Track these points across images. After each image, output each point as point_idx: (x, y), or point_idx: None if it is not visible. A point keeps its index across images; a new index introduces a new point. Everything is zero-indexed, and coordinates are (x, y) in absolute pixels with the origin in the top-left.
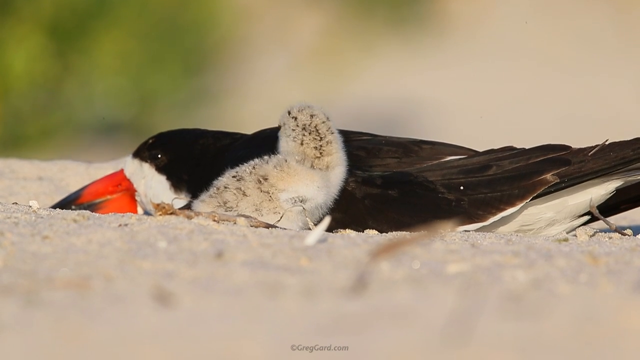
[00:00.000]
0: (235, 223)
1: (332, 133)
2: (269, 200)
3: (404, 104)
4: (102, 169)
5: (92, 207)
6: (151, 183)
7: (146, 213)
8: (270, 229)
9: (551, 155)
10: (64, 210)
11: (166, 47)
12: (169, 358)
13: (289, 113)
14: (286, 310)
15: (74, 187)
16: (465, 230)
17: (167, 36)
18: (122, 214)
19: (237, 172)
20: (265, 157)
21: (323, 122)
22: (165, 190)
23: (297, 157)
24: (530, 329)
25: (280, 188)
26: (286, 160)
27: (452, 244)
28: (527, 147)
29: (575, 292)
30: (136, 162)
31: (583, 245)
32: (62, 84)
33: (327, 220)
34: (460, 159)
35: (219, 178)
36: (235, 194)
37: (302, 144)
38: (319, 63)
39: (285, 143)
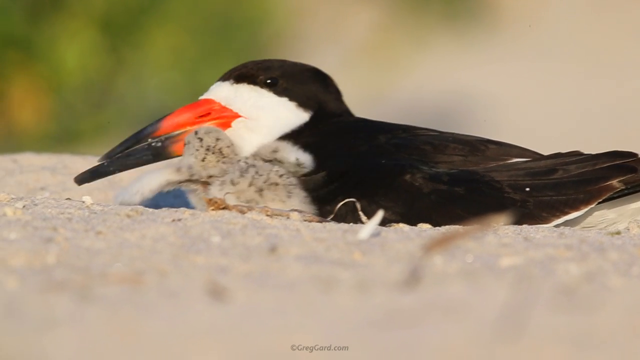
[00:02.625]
0: (288, 217)
1: (236, 154)
2: None
3: (457, 98)
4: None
5: (169, 139)
6: (270, 106)
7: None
8: (323, 223)
9: (618, 162)
10: (117, 206)
11: (219, 42)
12: (223, 353)
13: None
14: (340, 305)
15: (127, 182)
16: None
17: (221, 31)
18: (175, 209)
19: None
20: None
21: (228, 147)
22: (290, 111)
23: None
24: (583, 322)
25: None
26: None
27: (505, 238)
28: (593, 153)
29: (628, 285)
30: (243, 87)
31: (635, 239)
32: (115, 79)
33: (380, 214)
34: (526, 161)
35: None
36: None
37: (203, 160)
38: (372, 58)
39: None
